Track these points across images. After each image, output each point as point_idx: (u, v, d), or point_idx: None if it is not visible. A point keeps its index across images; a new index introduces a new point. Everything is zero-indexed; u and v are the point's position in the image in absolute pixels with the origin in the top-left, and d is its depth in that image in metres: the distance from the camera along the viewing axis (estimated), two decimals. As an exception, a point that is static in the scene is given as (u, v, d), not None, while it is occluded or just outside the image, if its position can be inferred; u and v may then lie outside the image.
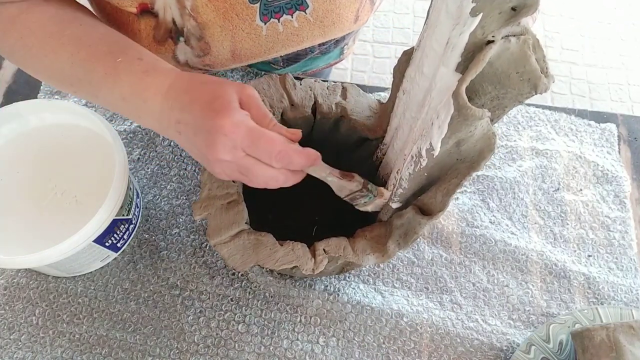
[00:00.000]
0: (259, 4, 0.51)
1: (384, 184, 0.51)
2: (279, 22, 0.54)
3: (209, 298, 0.56)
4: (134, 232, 0.58)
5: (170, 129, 0.41)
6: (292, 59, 0.66)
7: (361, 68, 1.62)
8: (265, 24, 0.53)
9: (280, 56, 0.64)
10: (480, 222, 0.61)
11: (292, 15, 0.54)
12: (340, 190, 0.46)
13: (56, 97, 0.66)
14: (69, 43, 0.43)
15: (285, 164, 0.39)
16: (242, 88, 0.40)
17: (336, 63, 0.76)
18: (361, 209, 0.48)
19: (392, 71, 0.46)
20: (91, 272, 0.56)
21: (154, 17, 0.50)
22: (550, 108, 0.69)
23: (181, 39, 0.52)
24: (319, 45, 0.63)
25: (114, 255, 0.57)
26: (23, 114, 0.54)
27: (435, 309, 0.56)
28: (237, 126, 0.37)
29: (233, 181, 0.47)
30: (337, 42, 0.67)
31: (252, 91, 0.40)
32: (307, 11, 0.54)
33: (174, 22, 0.51)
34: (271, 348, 0.54)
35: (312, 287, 0.56)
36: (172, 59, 0.55)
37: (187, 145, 0.40)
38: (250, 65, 0.69)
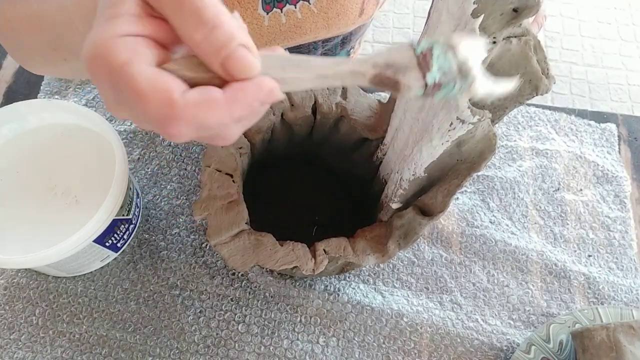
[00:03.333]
0: None
1: (384, 184, 0.51)
2: (281, 12, 0.53)
3: (209, 298, 0.56)
4: (134, 232, 0.58)
5: None
6: None
7: (361, 68, 1.62)
8: (267, 13, 0.52)
9: None
10: (480, 222, 0.61)
11: (295, 6, 0.53)
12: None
13: (56, 97, 0.65)
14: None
15: (178, 130, 0.22)
16: None
17: None
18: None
19: (392, 71, 0.46)
20: (91, 272, 0.56)
21: None
22: (550, 108, 0.69)
23: None
24: (323, 42, 0.63)
25: (114, 255, 0.56)
26: (23, 114, 0.54)
27: (435, 309, 0.57)
28: (97, 68, 0.22)
29: (233, 180, 0.47)
30: (342, 43, 0.66)
31: None
32: (310, 1, 0.53)
33: None
34: (271, 348, 0.54)
35: (312, 287, 0.56)
36: None
37: None
38: None
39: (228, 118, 0.22)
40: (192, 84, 0.22)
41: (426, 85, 0.24)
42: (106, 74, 0.21)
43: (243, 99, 0.22)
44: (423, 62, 0.24)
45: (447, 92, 0.25)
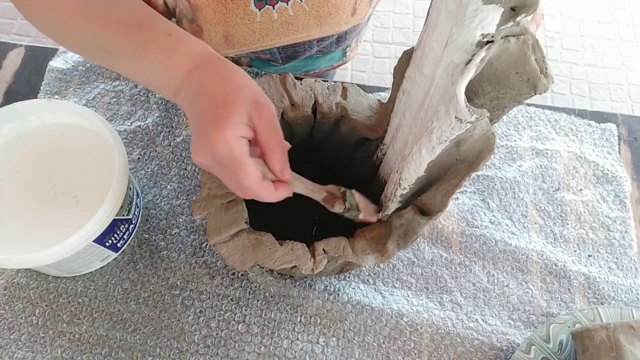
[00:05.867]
0: None
1: (384, 184, 0.51)
2: (273, 9, 0.53)
3: (209, 298, 0.56)
4: (134, 232, 0.58)
5: (181, 104, 0.42)
6: (290, 55, 0.65)
7: (361, 68, 1.63)
8: (259, 10, 0.53)
9: (278, 51, 0.64)
10: (480, 222, 0.61)
11: (287, 3, 0.53)
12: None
13: (56, 97, 0.66)
14: (97, 19, 0.43)
15: (251, 197, 0.40)
16: (258, 104, 0.39)
17: (339, 65, 0.76)
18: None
19: (392, 71, 0.46)
20: (91, 272, 0.56)
21: None
22: (550, 108, 0.69)
23: (173, 20, 0.52)
24: (318, 42, 0.63)
25: (114, 255, 0.57)
26: (23, 114, 0.54)
27: (435, 309, 0.56)
28: (222, 146, 0.37)
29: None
30: (337, 42, 0.66)
31: (267, 110, 0.39)
32: None
33: (165, 2, 0.50)
34: (271, 348, 0.54)
35: (312, 287, 0.56)
36: None
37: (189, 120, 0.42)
38: (250, 65, 0.69)
39: (270, 198, 0.41)
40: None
41: (344, 208, 0.46)
42: (226, 157, 0.37)
43: (279, 194, 0.41)
44: (342, 197, 0.46)
45: (350, 215, 0.47)
